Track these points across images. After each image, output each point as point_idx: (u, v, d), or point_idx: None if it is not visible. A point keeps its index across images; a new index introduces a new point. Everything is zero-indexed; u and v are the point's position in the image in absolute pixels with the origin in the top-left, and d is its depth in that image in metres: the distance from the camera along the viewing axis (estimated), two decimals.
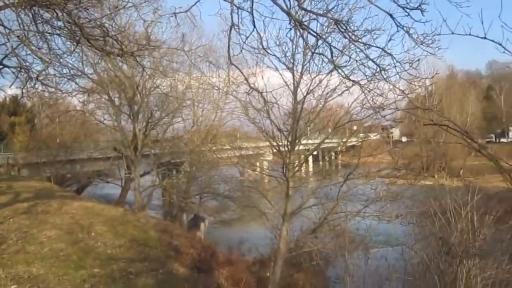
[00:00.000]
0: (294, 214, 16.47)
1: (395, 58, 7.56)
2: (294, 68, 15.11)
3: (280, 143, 15.24)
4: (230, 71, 23.86)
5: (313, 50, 12.43)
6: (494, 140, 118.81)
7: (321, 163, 64.02)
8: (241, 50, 6.61)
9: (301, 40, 14.26)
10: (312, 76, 14.57)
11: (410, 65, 8.49)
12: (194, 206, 33.14)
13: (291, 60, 14.97)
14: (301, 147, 19.98)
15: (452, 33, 5.43)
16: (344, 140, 19.22)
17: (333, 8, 10.13)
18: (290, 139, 15.41)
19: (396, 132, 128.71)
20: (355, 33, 8.19)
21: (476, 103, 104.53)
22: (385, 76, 8.13)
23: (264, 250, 26.01)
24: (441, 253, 12.33)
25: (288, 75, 15.67)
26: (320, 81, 15.17)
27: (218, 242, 27.18)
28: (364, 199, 15.00)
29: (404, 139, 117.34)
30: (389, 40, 8.83)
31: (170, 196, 33.82)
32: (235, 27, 5.89)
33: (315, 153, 42.76)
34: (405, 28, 7.63)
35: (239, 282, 16.25)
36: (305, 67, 15.18)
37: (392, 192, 14.91)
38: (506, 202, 16.69)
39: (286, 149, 15.48)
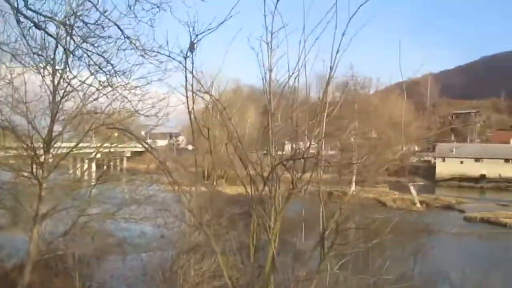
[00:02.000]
0: (47, 216, 16.16)
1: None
2: (53, 68, 14.91)
3: (31, 144, 14.84)
4: None
5: (70, 51, 12.50)
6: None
7: (105, 167, 62.69)
8: None
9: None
10: (70, 78, 14.54)
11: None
12: None
13: (50, 60, 14.75)
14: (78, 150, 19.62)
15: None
16: (109, 144, 19.35)
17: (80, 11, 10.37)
18: (46, 139, 15.16)
19: (183, 140, 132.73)
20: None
21: (257, 117, 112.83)
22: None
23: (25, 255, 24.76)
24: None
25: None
26: (81, 83, 15.18)
27: None
28: (117, 201, 15.48)
29: (190, 147, 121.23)
30: (124, 50, 9.47)
31: None
32: None
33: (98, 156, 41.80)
34: (132, 39, 8.49)
35: None
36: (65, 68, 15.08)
37: (142, 195, 15.65)
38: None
39: (42, 150, 15.20)
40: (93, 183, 15.81)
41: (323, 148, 8.67)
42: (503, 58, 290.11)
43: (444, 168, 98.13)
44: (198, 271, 11.05)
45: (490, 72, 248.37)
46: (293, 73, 7.12)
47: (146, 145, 8.14)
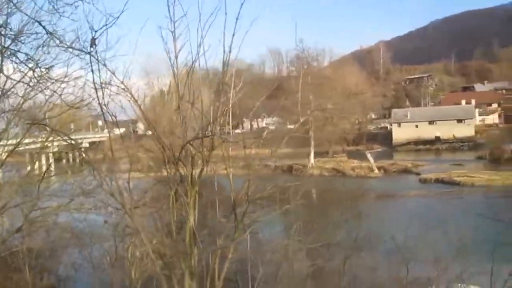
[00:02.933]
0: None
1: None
2: None
3: None
4: None
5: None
6: (230, 130, 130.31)
7: (64, 161, 62.44)
8: None
9: None
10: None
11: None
12: None
13: None
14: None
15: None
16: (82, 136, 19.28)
17: None
18: None
19: (141, 126, 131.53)
20: None
21: (213, 97, 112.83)
22: None
23: None
24: None
25: None
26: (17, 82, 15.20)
27: None
28: (68, 194, 15.64)
29: (149, 132, 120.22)
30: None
31: None
32: None
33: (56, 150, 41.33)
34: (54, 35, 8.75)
35: None
36: None
37: (91, 185, 15.80)
38: None
39: None
40: (48, 177, 15.91)
41: (230, 125, 9.14)
42: (453, 21, 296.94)
43: (400, 133, 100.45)
44: (143, 252, 11.43)
45: (441, 36, 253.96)
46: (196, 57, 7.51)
47: (71, 141, 8.42)
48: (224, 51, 7.25)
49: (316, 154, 77.77)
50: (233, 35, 7.03)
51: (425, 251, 15.76)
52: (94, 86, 6.59)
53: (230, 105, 8.20)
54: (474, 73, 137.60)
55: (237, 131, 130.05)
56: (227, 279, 9.31)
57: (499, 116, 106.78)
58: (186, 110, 7.80)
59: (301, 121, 72.14)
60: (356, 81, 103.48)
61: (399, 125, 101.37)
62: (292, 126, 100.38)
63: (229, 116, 8.42)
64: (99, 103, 6.75)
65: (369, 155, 69.45)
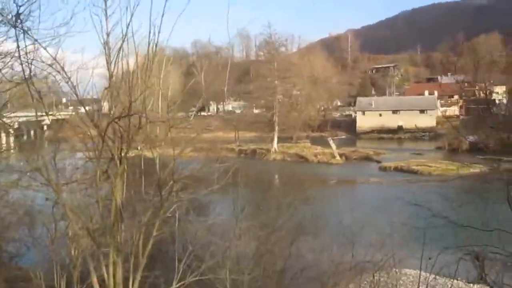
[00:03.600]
0: None
1: None
2: None
3: None
4: None
5: None
6: (197, 113, 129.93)
7: (25, 137, 60.94)
8: None
9: None
10: None
11: None
12: None
13: None
14: None
15: None
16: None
17: None
18: None
19: (106, 106, 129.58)
20: None
21: (181, 79, 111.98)
22: None
23: None
24: None
25: None
26: None
27: None
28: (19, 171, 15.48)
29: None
30: None
31: None
32: None
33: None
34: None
35: None
36: None
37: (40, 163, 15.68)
38: None
39: None
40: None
41: (149, 106, 9.24)
42: (422, 12, 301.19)
43: (364, 121, 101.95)
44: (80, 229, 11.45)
45: (409, 27, 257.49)
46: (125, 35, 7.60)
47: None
48: (150, 32, 7.29)
49: (281, 140, 78.26)
50: (163, 14, 7.12)
51: (370, 236, 16.24)
52: (21, 62, 6.59)
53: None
54: (439, 65, 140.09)
55: (203, 113, 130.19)
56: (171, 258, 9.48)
57: (460, 107, 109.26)
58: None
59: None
60: (322, 68, 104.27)
61: (363, 113, 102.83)
62: (258, 111, 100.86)
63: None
64: (25, 78, 6.75)
65: (331, 142, 70.23)
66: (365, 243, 15.32)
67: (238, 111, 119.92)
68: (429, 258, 9.52)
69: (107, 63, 7.75)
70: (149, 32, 7.40)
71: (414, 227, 11.30)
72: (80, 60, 8.83)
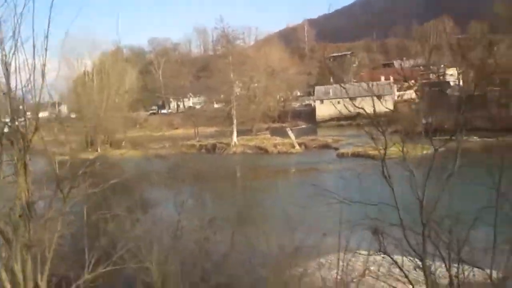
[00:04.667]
0: None
1: None
2: None
3: None
4: None
5: None
6: (157, 111, 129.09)
7: None
8: None
9: None
10: None
11: None
12: None
13: None
14: None
15: None
16: None
17: None
18: None
19: (64, 109, 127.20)
20: None
21: (138, 77, 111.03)
22: None
23: None
24: None
25: None
26: None
27: None
28: None
29: (73, 115, 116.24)
30: None
31: None
32: None
33: None
34: None
35: None
36: None
37: None
38: None
39: None
40: None
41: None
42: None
43: (323, 110, 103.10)
44: None
45: (365, 14, 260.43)
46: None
47: None
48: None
49: (241, 133, 78.78)
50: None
51: (313, 222, 16.79)
52: None
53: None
54: (394, 51, 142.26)
55: (163, 111, 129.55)
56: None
57: (416, 91, 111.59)
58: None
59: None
60: (279, 59, 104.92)
61: (322, 102, 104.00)
62: (218, 106, 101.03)
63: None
64: None
65: (290, 132, 71.09)
66: (304, 229, 15.84)
67: (198, 107, 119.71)
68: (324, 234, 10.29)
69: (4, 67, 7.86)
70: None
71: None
72: None
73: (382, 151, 8.74)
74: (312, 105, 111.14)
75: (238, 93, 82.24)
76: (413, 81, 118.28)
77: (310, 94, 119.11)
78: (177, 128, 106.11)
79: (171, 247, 13.12)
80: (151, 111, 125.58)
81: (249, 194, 19.80)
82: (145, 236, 11.56)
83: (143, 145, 76.02)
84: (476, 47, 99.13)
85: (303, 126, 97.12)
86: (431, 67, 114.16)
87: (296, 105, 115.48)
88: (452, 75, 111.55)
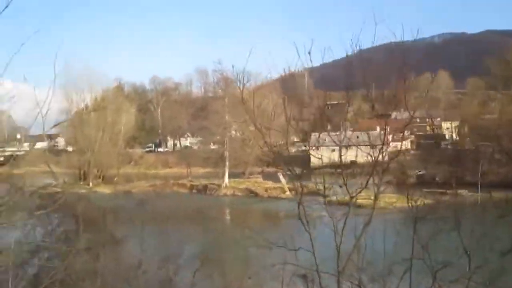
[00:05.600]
0: None
1: None
2: None
3: None
4: None
5: None
6: (153, 149, 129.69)
7: None
8: None
9: None
10: None
11: None
12: None
13: None
14: None
15: None
16: None
17: None
18: None
19: (62, 141, 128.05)
20: None
21: (137, 115, 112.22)
22: None
23: None
24: None
25: None
26: None
27: None
28: None
29: (70, 148, 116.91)
30: None
31: None
32: None
33: None
34: None
35: None
36: None
37: None
38: None
39: None
40: None
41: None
42: (376, 50, 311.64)
43: (317, 156, 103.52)
44: None
45: (363, 65, 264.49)
46: None
47: None
48: None
49: (234, 175, 79.09)
50: None
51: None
52: None
53: None
54: (392, 101, 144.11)
55: (160, 149, 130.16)
56: None
57: (411, 143, 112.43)
58: None
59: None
60: (276, 105, 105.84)
61: (317, 149, 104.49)
62: (215, 147, 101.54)
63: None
64: None
65: (281, 177, 71.27)
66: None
67: (195, 147, 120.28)
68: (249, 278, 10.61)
69: None
70: None
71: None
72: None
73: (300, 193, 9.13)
74: (308, 151, 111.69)
75: (233, 136, 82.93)
76: (408, 132, 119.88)
77: (306, 140, 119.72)
78: (171, 167, 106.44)
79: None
80: (147, 149, 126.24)
81: (211, 236, 20.04)
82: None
83: (129, 181, 76.53)
84: (473, 102, 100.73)
85: (298, 172, 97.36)
86: (427, 119, 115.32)
87: (292, 150, 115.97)
88: (448, 128, 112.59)
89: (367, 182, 9.63)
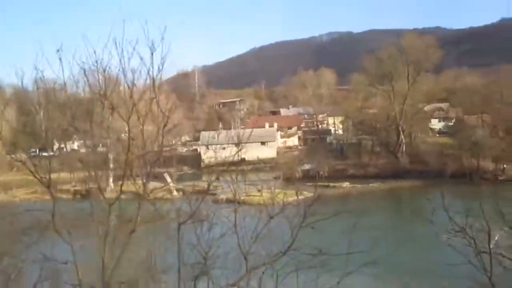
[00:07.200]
0: None
1: None
2: None
3: None
4: None
5: None
6: (37, 154, 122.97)
7: None
8: None
9: None
10: None
11: None
12: None
13: None
14: None
15: None
16: None
17: None
18: None
19: None
20: None
21: (18, 119, 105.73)
22: None
23: None
24: None
25: None
26: None
27: None
28: None
29: None
30: None
31: None
32: None
33: None
34: None
35: None
36: None
37: None
38: None
39: None
40: None
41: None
42: (268, 49, 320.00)
43: (208, 155, 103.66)
44: None
45: (257, 63, 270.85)
46: None
47: None
48: None
49: (121, 177, 76.81)
50: None
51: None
52: None
53: None
54: (282, 98, 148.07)
55: (44, 153, 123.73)
56: None
57: (299, 138, 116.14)
58: None
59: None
60: (166, 104, 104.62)
61: (208, 147, 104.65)
62: (104, 149, 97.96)
63: None
64: None
65: (167, 177, 70.22)
66: None
67: (83, 150, 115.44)
68: None
69: None
70: None
71: None
72: None
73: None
74: (198, 150, 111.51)
75: (122, 137, 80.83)
76: (296, 128, 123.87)
77: (197, 139, 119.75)
78: (55, 172, 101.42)
79: None
80: (32, 154, 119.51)
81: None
82: None
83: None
84: (357, 98, 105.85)
85: (189, 172, 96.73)
86: (314, 115, 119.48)
87: (183, 150, 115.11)
88: (334, 123, 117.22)
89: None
